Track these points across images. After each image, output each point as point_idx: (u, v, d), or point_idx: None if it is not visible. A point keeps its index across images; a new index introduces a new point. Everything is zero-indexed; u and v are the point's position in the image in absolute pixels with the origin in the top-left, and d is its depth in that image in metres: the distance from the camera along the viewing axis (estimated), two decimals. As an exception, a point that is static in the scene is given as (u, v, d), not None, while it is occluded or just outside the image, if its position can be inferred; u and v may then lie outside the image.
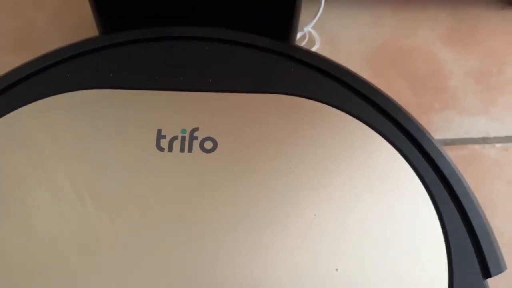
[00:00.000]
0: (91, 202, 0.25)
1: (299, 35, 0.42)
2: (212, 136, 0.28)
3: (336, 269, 0.25)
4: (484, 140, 0.41)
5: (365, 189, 0.27)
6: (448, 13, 0.47)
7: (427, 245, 0.26)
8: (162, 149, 0.27)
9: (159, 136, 0.28)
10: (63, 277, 0.24)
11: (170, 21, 0.32)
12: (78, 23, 0.43)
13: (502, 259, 0.26)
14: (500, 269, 0.26)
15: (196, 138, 0.28)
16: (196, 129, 0.28)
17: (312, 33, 0.43)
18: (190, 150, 0.27)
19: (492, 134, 0.41)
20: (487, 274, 0.26)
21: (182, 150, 0.27)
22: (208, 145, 0.28)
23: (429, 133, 0.30)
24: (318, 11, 0.43)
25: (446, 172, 0.29)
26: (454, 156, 0.40)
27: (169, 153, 0.27)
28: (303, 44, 0.43)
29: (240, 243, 0.25)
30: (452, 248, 0.26)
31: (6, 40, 0.42)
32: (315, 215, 0.26)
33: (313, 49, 0.43)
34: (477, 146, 0.40)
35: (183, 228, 0.25)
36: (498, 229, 0.37)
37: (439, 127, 0.41)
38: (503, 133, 0.41)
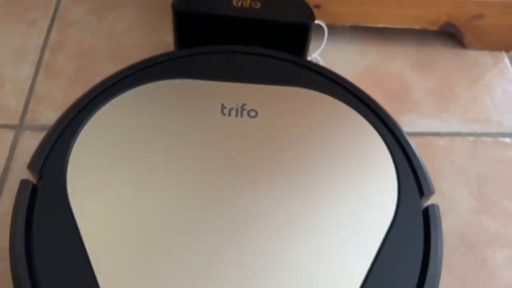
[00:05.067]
0: (180, 143, 0.42)
1: (308, 59, 0.60)
2: (255, 109, 0.45)
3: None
4: (436, 134, 0.58)
5: (353, 156, 0.44)
6: (416, 48, 0.66)
7: (385, 180, 0.43)
8: (224, 115, 0.44)
9: (223, 107, 0.45)
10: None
11: (225, 41, 0.51)
12: (154, 45, 0.61)
13: (432, 186, 0.42)
14: (430, 191, 0.42)
15: (245, 109, 0.45)
16: (245, 104, 0.45)
17: (317, 58, 0.61)
18: (241, 116, 0.44)
19: (442, 130, 0.58)
20: (422, 193, 0.42)
21: (236, 115, 0.44)
22: (253, 113, 0.45)
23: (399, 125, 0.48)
24: (322, 43, 0.61)
25: (405, 146, 0.46)
26: (415, 143, 0.57)
27: (229, 117, 0.44)
28: (310, 65, 0.61)
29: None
30: (401, 184, 0.42)
31: (105, 54, 0.60)
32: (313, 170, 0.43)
33: (318, 69, 0.61)
34: (431, 138, 0.57)
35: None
36: (443, 192, 0.53)
37: (405, 124, 0.58)
38: (450, 130, 0.58)
